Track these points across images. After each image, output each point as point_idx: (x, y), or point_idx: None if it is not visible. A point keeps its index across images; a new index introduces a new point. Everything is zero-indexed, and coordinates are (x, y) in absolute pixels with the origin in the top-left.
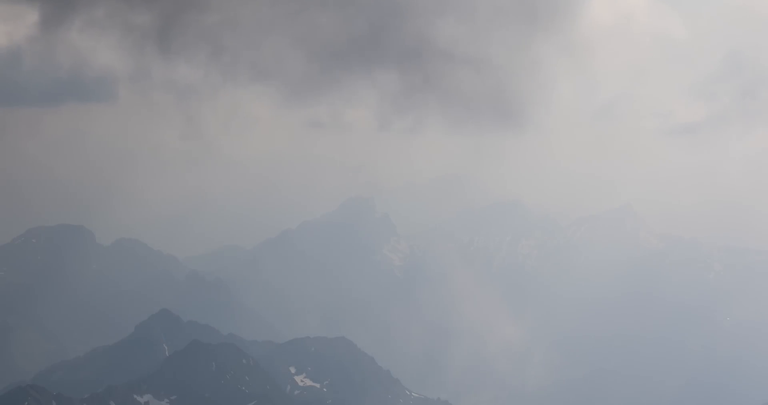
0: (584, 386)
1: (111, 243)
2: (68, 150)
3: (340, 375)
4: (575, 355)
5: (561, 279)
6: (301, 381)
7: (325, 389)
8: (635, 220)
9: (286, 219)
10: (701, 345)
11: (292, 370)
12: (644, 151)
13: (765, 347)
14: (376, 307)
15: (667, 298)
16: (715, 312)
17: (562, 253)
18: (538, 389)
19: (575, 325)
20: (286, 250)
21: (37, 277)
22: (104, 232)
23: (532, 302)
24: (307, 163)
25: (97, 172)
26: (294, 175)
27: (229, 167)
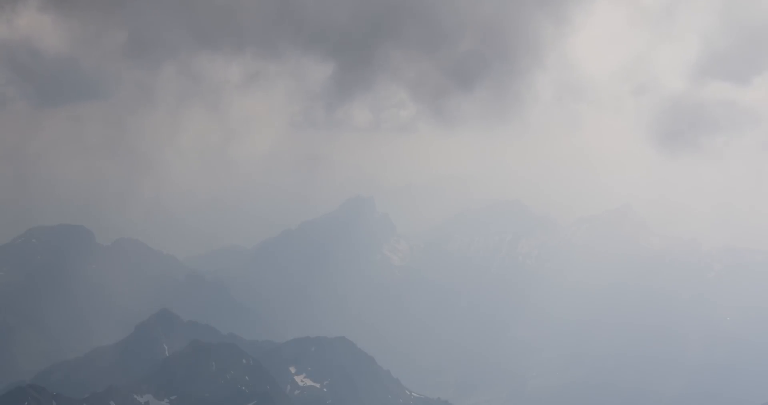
0: (584, 386)
1: (111, 243)
2: (68, 150)
3: (340, 375)
4: (575, 354)
5: (561, 279)
6: (301, 381)
7: (325, 389)
8: (635, 220)
9: (286, 219)
10: (701, 345)
11: (292, 370)
12: (643, 150)
13: (765, 347)
14: (377, 306)
15: (666, 298)
16: (715, 312)
17: (562, 253)
18: (538, 389)
19: (575, 325)
20: (286, 250)
21: (37, 277)
22: (104, 232)
23: (531, 302)
24: (307, 163)
25: (97, 172)
26: (294, 175)
27: (228, 166)
